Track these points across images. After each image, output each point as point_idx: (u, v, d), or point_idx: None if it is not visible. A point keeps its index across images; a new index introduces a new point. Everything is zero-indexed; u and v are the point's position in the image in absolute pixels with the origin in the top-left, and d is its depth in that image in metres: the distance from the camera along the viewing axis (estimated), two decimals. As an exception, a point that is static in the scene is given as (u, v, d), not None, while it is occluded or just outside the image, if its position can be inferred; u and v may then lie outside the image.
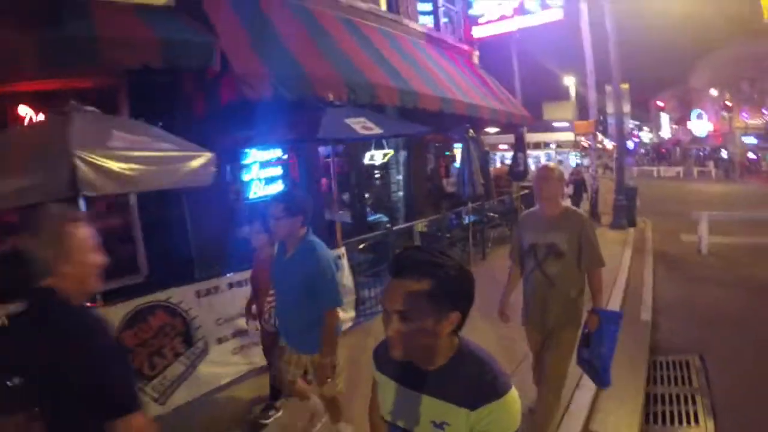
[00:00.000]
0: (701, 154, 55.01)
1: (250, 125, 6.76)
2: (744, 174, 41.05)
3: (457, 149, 13.58)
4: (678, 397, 4.79)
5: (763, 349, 5.65)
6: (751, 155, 47.11)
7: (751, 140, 47.68)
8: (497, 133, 19.49)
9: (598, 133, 19.64)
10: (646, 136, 70.19)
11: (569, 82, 35.51)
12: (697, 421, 4.40)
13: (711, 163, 46.34)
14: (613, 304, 7.26)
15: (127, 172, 3.90)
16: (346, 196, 10.24)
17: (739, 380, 5.00)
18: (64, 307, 1.69)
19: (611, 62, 15.05)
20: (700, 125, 55.16)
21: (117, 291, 4.69)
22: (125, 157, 3.91)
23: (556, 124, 35.85)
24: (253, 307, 4.72)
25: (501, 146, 30.19)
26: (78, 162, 3.54)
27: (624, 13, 17.04)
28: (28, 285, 1.72)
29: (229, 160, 7.44)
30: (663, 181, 38.85)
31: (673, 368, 5.40)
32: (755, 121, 47.48)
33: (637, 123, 66.27)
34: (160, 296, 4.69)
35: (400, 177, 11.66)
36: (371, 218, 10.49)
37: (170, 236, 6.88)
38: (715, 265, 10.18)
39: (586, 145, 35.41)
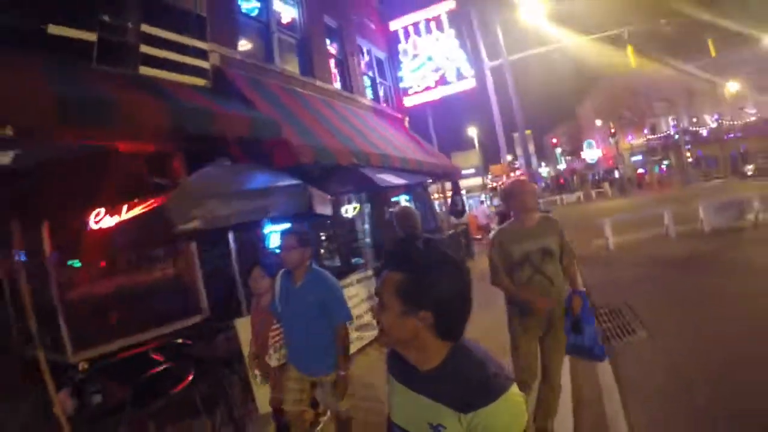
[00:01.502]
0: (596, 177, 60.80)
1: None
2: (635, 188, 46.29)
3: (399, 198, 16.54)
4: (618, 326, 7.23)
5: (670, 293, 8.65)
6: (640, 170, 53.68)
7: (638, 158, 54.49)
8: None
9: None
10: (544, 170, 75.71)
11: (473, 132, 40.03)
12: (635, 331, 6.88)
13: (606, 184, 51.08)
14: None
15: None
16: (333, 245, 12.68)
17: (658, 310, 7.73)
18: None
19: (516, 117, 18.82)
20: (591, 153, 61.65)
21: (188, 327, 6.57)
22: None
23: (464, 171, 39.61)
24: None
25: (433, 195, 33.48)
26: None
27: (515, 69, 21.02)
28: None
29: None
30: (567, 206, 42.42)
31: (609, 314, 7.88)
32: (638, 141, 54.22)
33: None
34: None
35: (366, 226, 14.05)
36: (353, 260, 12.54)
37: (223, 281, 7.84)
38: (622, 255, 13.38)
39: (492, 186, 39.73)
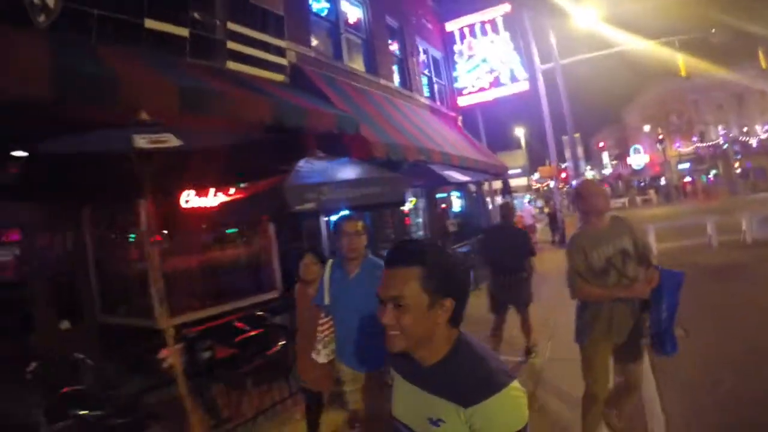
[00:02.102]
0: (642, 184, 60.14)
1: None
2: (682, 196, 45.59)
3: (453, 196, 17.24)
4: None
5: (705, 297, 9.03)
6: (687, 179, 52.79)
7: (685, 165, 53.64)
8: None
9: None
10: (589, 174, 75.39)
11: (519, 132, 40.31)
12: None
13: (651, 191, 50.85)
14: None
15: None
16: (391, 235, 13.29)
17: (692, 312, 7.90)
18: None
19: (566, 121, 19.17)
20: (638, 158, 61.02)
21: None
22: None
23: (511, 171, 39.92)
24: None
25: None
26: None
27: (565, 72, 21.40)
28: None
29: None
30: (611, 212, 42.57)
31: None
32: (686, 149, 53.40)
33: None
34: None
35: (420, 219, 14.84)
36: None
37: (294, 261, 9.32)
38: (664, 261, 13.43)
39: (536, 187, 40.11)
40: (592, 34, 21.68)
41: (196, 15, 8.46)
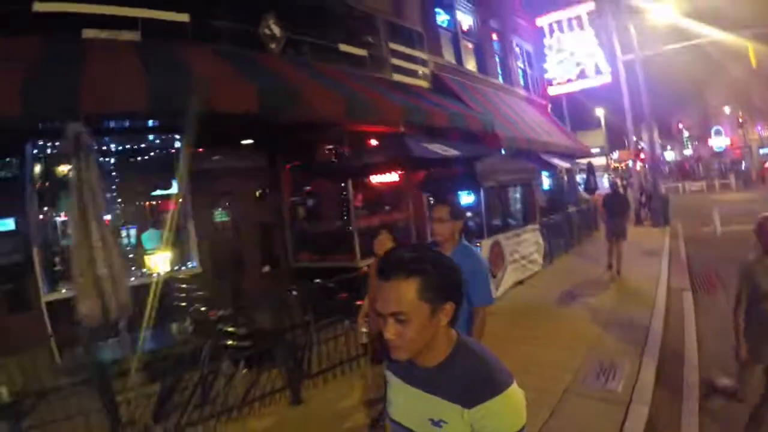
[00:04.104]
0: (722, 168, 60.16)
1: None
2: (761, 183, 45.45)
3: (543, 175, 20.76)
4: (705, 288, 10.23)
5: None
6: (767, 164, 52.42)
7: (766, 151, 53.99)
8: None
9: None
10: (669, 155, 74.81)
11: (599, 113, 43.03)
12: (716, 290, 9.82)
13: (732, 176, 50.08)
14: (664, 262, 12.91)
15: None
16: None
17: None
18: None
19: (644, 107, 22.20)
20: (719, 141, 61.18)
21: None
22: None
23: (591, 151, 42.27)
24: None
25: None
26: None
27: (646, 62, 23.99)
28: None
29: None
30: (688, 195, 43.77)
31: (699, 278, 11.07)
32: None
33: (660, 143, 71.91)
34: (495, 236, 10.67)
35: (518, 195, 18.07)
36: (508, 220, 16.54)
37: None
38: (726, 241, 15.54)
39: (617, 167, 42.61)
40: (670, 26, 23.97)
41: (369, 38, 12.21)
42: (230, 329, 6.38)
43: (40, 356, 7.65)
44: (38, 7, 7.26)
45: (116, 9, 7.87)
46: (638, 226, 20.66)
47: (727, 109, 58.41)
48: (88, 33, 7.64)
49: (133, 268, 8.40)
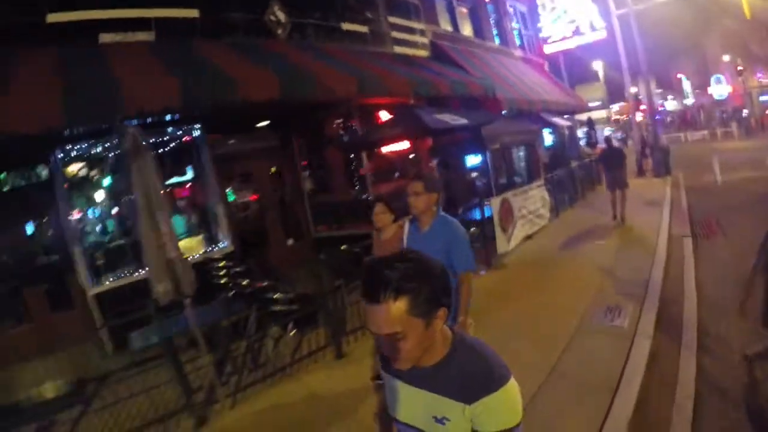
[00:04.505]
0: (724, 116, 60.38)
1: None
2: (761, 131, 45.61)
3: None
4: (705, 233, 10.83)
5: (752, 216, 10.75)
6: None
7: (766, 98, 54.24)
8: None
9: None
10: (670, 104, 74.81)
11: (597, 66, 43.44)
12: (716, 236, 10.62)
13: (734, 124, 49.96)
14: (666, 211, 13.46)
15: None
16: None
17: (739, 225, 10.55)
18: None
19: (639, 59, 22.58)
20: (720, 89, 61.19)
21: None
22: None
23: (590, 104, 42.80)
24: None
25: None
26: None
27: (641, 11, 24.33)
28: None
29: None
30: (690, 144, 44.03)
31: (700, 225, 11.56)
32: None
33: (660, 91, 71.88)
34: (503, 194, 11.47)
35: (521, 153, 18.85)
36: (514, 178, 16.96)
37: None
38: (727, 189, 16.21)
39: (618, 119, 43.13)
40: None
41: (368, 14, 12.81)
42: (277, 296, 7.27)
43: (90, 348, 8.70)
44: (51, 18, 7.80)
45: (128, 11, 8.46)
46: (640, 177, 21.27)
47: (726, 57, 58.34)
48: (105, 38, 8.24)
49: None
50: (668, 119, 70.55)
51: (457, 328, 3.85)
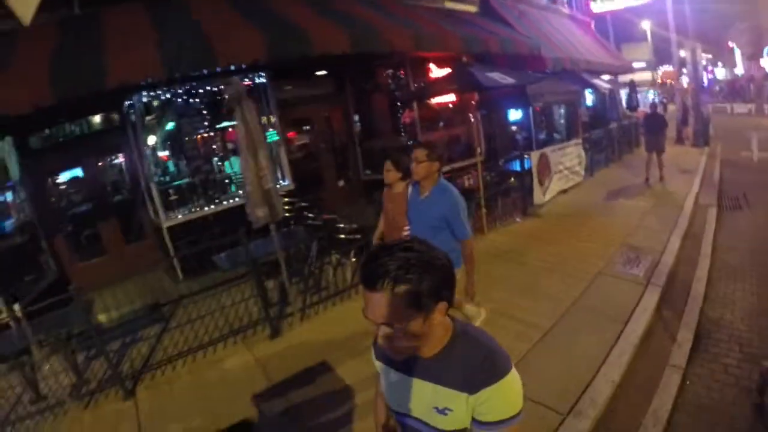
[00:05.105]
0: None
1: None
2: None
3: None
4: (732, 206, 11.74)
5: None
6: None
7: None
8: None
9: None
10: (720, 72, 73.67)
11: (646, 26, 43.16)
12: (741, 208, 11.64)
13: None
14: (697, 180, 14.10)
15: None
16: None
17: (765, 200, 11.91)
18: None
19: (687, 23, 23.06)
20: None
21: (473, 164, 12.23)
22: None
23: (635, 65, 42.44)
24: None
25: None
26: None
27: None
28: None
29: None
30: (735, 116, 42.39)
31: (729, 198, 12.37)
32: None
33: (710, 57, 70.71)
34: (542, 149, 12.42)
35: (562, 110, 18.93)
36: (554, 135, 17.46)
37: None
38: (763, 167, 16.25)
39: (664, 83, 42.97)
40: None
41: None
42: (343, 226, 8.36)
43: (162, 275, 9.94)
44: None
45: None
46: (678, 145, 21.72)
47: (780, 28, 57.03)
48: None
49: (240, 191, 10.23)
50: (717, 88, 69.42)
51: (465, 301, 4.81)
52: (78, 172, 10.64)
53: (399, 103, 12.97)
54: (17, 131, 9.20)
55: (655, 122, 14.54)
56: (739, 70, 71.03)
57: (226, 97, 7.22)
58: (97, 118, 10.51)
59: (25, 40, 7.37)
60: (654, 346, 5.86)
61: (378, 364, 2.00)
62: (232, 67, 9.14)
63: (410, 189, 4.92)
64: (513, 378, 1.64)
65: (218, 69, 8.29)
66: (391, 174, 5.51)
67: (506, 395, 1.63)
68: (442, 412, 1.71)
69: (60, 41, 7.54)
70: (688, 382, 5.13)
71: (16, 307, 6.01)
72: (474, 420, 1.68)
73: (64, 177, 10.59)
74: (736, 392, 4.88)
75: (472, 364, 1.66)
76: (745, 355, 5.52)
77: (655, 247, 8.74)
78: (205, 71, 8.57)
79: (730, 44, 69.73)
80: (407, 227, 5.00)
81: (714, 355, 5.60)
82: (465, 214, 4.52)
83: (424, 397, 1.77)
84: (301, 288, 7.86)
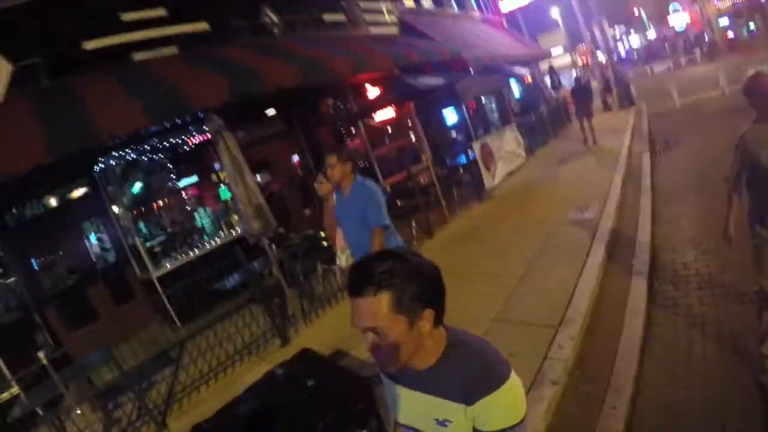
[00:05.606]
0: (687, 44, 62.14)
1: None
2: (726, 52, 47.52)
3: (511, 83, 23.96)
4: (662, 148, 14.06)
5: (703, 129, 14.03)
6: (729, 34, 54.97)
7: (725, 21, 56.59)
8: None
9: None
10: (634, 40, 77.02)
11: (555, 13, 45.74)
12: (671, 148, 14.23)
13: (697, 50, 51.66)
14: (627, 134, 16.26)
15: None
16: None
17: (690, 138, 13.68)
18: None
19: (590, 4, 25.22)
20: (678, 18, 63.65)
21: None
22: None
23: (553, 51, 44.06)
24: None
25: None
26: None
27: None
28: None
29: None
30: (655, 76, 45.25)
31: (660, 142, 14.51)
32: (724, 4, 56.32)
33: (621, 28, 74.21)
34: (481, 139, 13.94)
35: (493, 105, 20.92)
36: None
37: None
38: (684, 110, 18.99)
39: (582, 62, 45.62)
40: None
41: (343, 3, 14.95)
42: (322, 234, 9.31)
43: (158, 327, 10.07)
44: (88, 45, 9.25)
45: (153, 32, 10.09)
46: (606, 112, 23.87)
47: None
48: (137, 56, 9.88)
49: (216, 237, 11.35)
50: (635, 55, 72.65)
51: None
52: (58, 244, 10.77)
53: (343, 129, 14.32)
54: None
55: (581, 92, 17.27)
56: (651, 34, 74.75)
57: (208, 130, 8.24)
58: (69, 188, 10.67)
59: (2, 113, 7.71)
60: (618, 262, 7.21)
61: (383, 378, 2.00)
62: (187, 119, 10.13)
63: (334, 196, 5.31)
64: (512, 385, 1.61)
65: (191, 114, 9.36)
66: (322, 186, 5.87)
67: (505, 404, 1.60)
68: (442, 423, 1.71)
69: (39, 107, 7.85)
70: (656, 284, 6.31)
71: (41, 354, 6.25)
72: (475, 430, 1.65)
73: (47, 251, 10.63)
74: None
75: (469, 374, 1.63)
76: (688, 241, 7.25)
77: (601, 192, 10.26)
78: (178, 120, 9.65)
79: (635, 11, 73.33)
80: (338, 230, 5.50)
81: (670, 261, 6.92)
82: (382, 205, 4.80)
83: (424, 409, 1.77)
84: (300, 293, 8.69)
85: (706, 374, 4.35)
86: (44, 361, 6.08)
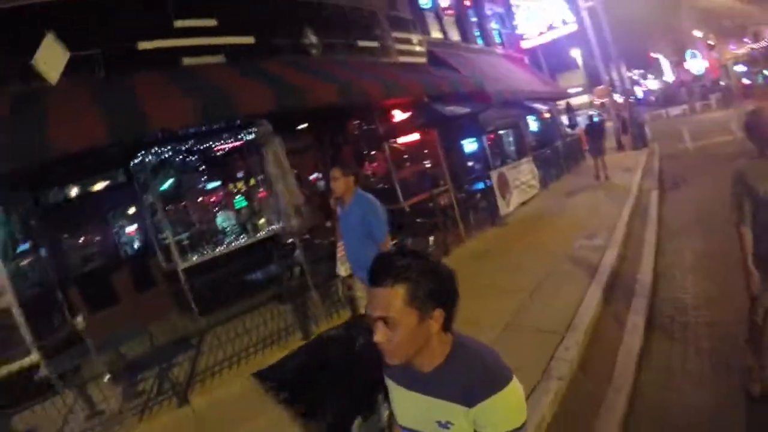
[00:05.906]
0: (704, 90, 60.98)
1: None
2: (741, 99, 45.96)
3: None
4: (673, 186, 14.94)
5: (713, 171, 14.46)
6: (745, 81, 55.52)
7: (741, 68, 57.28)
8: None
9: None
10: (652, 83, 78.25)
11: (576, 54, 46.72)
12: (680, 187, 15.27)
13: (712, 96, 52.48)
14: (638, 173, 17.16)
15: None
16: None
17: (700, 180, 14.68)
18: None
19: (609, 46, 26.10)
20: (696, 63, 64.33)
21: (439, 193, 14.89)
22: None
23: (571, 90, 45.20)
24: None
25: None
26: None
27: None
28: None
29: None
30: (670, 119, 46.91)
31: (671, 182, 15.46)
32: (741, 51, 57.01)
33: (641, 71, 75.18)
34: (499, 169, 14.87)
35: (511, 139, 21.84)
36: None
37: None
38: (696, 152, 20.07)
39: (599, 103, 46.44)
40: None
41: (377, 32, 15.80)
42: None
43: (177, 316, 10.51)
44: (141, 46, 9.76)
45: (203, 39, 10.75)
46: (620, 152, 24.55)
47: (698, 33, 61.18)
48: (186, 61, 10.46)
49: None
50: (652, 98, 73.37)
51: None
52: (88, 228, 11.52)
53: (366, 150, 15.22)
54: (31, 189, 10.05)
55: (594, 130, 18.40)
56: (669, 77, 75.46)
57: (255, 134, 9.01)
58: (106, 176, 11.36)
59: (60, 94, 8.06)
60: (622, 283, 7.87)
61: (387, 381, 2.04)
62: (233, 123, 10.65)
63: (338, 209, 5.44)
64: (513, 389, 1.66)
65: (238, 119, 9.95)
66: (340, 182, 5.38)
67: (505, 407, 1.64)
68: (444, 426, 1.74)
69: (97, 95, 8.21)
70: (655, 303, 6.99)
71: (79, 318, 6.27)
72: None
73: (76, 233, 11.40)
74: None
75: (471, 377, 1.68)
76: (689, 270, 7.85)
77: (610, 224, 10.96)
78: (223, 124, 10.26)
79: (654, 55, 74.08)
80: (340, 243, 5.72)
81: (670, 286, 7.59)
82: (383, 218, 4.97)
83: (426, 411, 1.81)
84: (321, 294, 8.91)
85: (698, 382, 4.84)
86: (80, 326, 6.13)
